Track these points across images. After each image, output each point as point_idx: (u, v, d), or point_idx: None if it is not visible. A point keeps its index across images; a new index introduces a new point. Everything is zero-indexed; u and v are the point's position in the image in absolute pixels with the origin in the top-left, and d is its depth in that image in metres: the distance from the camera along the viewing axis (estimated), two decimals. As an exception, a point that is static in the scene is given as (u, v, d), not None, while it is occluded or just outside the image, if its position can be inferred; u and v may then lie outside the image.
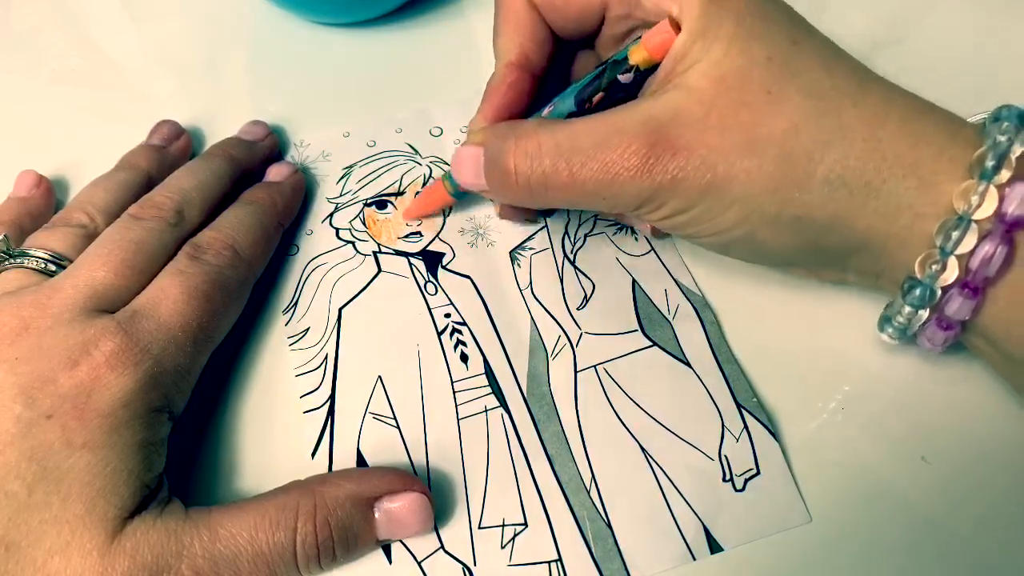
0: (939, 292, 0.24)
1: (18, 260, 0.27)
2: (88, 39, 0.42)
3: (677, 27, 0.25)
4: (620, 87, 0.27)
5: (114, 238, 0.27)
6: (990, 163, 0.23)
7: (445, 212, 0.34)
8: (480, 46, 0.40)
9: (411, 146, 0.36)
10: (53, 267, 0.27)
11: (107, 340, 0.24)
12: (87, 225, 0.29)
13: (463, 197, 0.32)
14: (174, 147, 0.35)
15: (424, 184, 0.34)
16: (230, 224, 0.30)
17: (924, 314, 0.25)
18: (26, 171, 0.34)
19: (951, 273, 0.24)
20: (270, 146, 0.35)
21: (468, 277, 0.32)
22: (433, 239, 0.33)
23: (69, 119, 0.39)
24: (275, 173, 0.34)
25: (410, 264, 0.32)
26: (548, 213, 0.34)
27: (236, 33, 0.42)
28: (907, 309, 0.25)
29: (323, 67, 0.40)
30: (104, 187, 0.31)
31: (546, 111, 0.29)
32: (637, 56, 0.26)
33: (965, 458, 0.27)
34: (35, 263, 0.27)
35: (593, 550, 0.26)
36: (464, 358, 0.30)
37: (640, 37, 0.26)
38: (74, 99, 0.39)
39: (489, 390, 0.29)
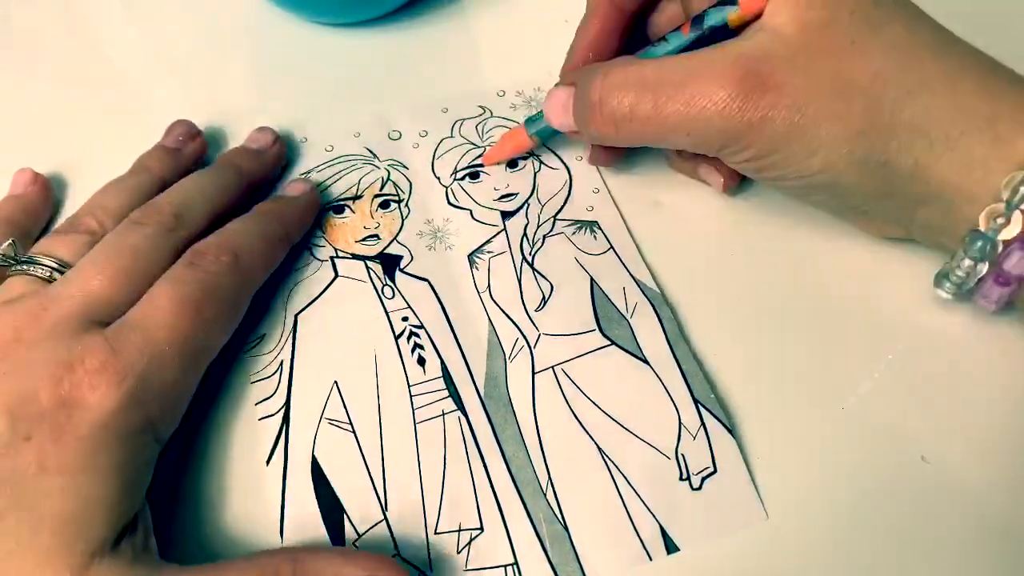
0: (1000, 245, 0.25)
1: (25, 267, 0.27)
2: (88, 39, 0.42)
3: None
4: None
5: (112, 244, 0.27)
6: None
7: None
8: (480, 46, 0.40)
9: (369, 150, 0.36)
10: (58, 276, 0.27)
11: (92, 357, 0.23)
12: (96, 232, 0.29)
13: (547, 138, 0.34)
14: (188, 149, 0.34)
15: (382, 187, 0.34)
16: (234, 231, 0.29)
17: (983, 269, 0.26)
18: (22, 169, 0.33)
19: (1015, 227, 0.25)
20: (278, 153, 0.35)
21: (426, 280, 0.32)
22: (391, 242, 0.33)
23: (69, 119, 0.38)
24: (290, 189, 0.33)
25: (367, 268, 0.32)
26: (634, 152, 0.34)
27: (236, 33, 0.42)
28: (967, 262, 0.26)
29: (323, 67, 0.40)
30: (115, 192, 0.30)
31: (637, 54, 0.30)
32: (736, 20, 0.28)
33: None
34: (41, 271, 0.27)
35: (550, 553, 0.26)
36: (421, 361, 0.30)
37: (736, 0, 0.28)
38: (74, 99, 0.39)
39: (446, 393, 0.29)
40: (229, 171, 0.32)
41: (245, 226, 0.30)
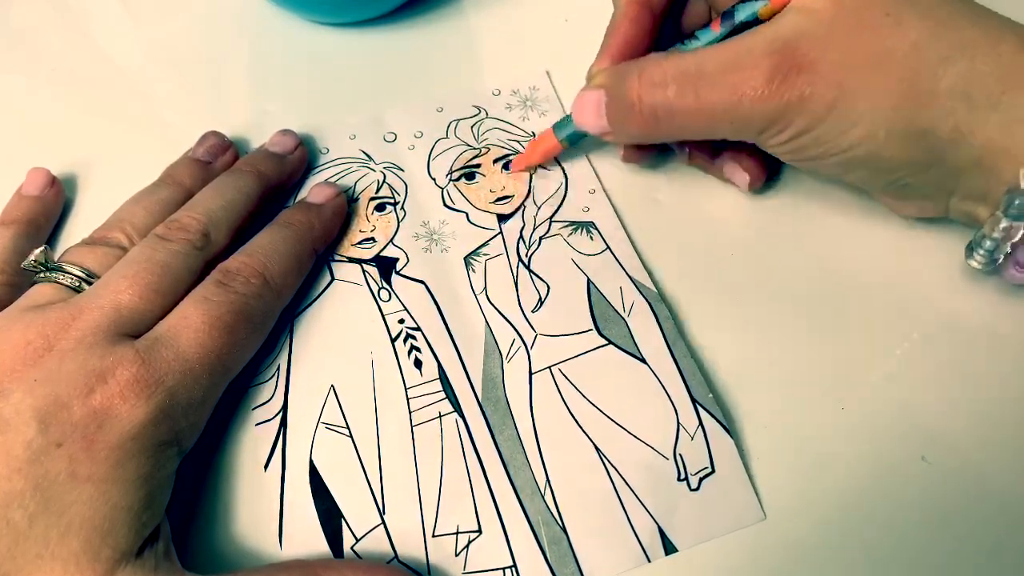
0: None
1: (53, 274, 0.27)
2: (88, 39, 0.42)
3: None
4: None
5: (140, 259, 0.27)
6: None
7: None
8: (480, 47, 0.40)
9: (365, 152, 0.35)
10: (86, 286, 0.27)
11: (124, 369, 0.24)
12: (125, 246, 0.29)
13: (576, 142, 0.33)
14: (219, 162, 0.34)
15: (378, 190, 0.34)
16: (263, 250, 0.29)
17: (1019, 232, 0.26)
18: (37, 168, 0.34)
19: None
20: (300, 158, 0.34)
21: (422, 282, 0.32)
22: (387, 245, 0.33)
23: (68, 119, 0.38)
24: (317, 194, 0.32)
25: (363, 271, 0.32)
26: (664, 149, 0.34)
27: (236, 33, 0.42)
28: (1003, 224, 0.26)
29: (323, 67, 0.40)
30: (145, 206, 0.30)
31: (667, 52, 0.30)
32: (766, 12, 0.28)
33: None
34: (69, 280, 0.27)
35: (548, 555, 0.26)
36: (418, 364, 0.30)
37: None
38: (74, 99, 0.39)
39: (443, 396, 0.29)
40: (252, 179, 0.32)
41: (274, 244, 0.29)
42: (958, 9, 0.26)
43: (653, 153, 0.34)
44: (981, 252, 0.27)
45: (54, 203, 0.34)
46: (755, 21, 0.28)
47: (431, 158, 0.35)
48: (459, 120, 0.36)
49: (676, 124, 0.28)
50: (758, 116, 0.27)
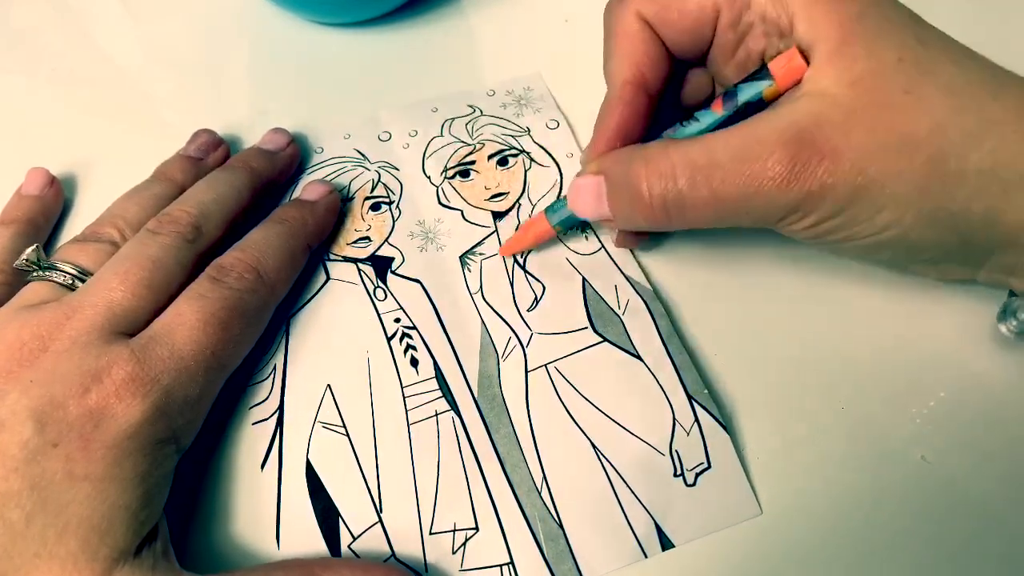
0: None
1: (46, 273, 0.27)
2: (88, 39, 0.42)
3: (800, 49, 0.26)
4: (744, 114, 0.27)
5: (130, 255, 0.27)
6: None
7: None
8: (479, 46, 0.41)
9: (359, 152, 0.36)
10: (79, 284, 0.27)
11: (119, 368, 0.24)
12: (117, 242, 0.29)
13: (569, 226, 0.31)
14: (211, 158, 0.34)
15: (372, 189, 0.34)
16: (256, 245, 0.29)
17: None
18: (37, 168, 0.34)
19: None
20: (291, 155, 0.34)
21: (418, 281, 0.32)
22: (382, 244, 0.33)
23: (68, 119, 0.38)
24: (310, 191, 0.32)
25: (359, 270, 0.32)
26: (663, 235, 0.33)
27: (236, 33, 0.42)
28: None
29: (323, 67, 0.40)
30: (137, 201, 0.30)
31: (666, 134, 0.29)
32: (771, 94, 0.27)
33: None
34: (62, 278, 0.27)
35: (545, 551, 0.26)
36: (414, 363, 0.30)
37: (770, 73, 0.26)
38: (74, 99, 0.39)
39: (439, 394, 0.29)
40: (243, 175, 0.32)
41: (267, 239, 0.29)
42: (978, 79, 0.25)
43: (648, 238, 0.32)
44: (1014, 322, 0.27)
45: (53, 203, 0.34)
46: (759, 103, 0.27)
47: (426, 156, 0.35)
48: (454, 119, 0.36)
49: (689, 216, 0.26)
50: (777, 206, 0.25)
